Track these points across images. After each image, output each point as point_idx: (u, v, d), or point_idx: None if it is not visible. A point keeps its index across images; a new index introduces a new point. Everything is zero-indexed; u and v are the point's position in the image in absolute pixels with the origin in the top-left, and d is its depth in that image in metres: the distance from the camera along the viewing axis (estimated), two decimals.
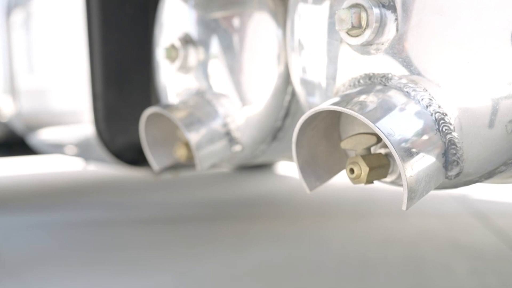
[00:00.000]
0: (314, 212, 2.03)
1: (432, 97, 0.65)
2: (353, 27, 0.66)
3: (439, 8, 0.63)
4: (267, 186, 2.72)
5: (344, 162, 0.77)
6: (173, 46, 1.06)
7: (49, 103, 1.71)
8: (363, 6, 0.66)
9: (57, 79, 1.64)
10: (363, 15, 0.66)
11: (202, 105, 1.05)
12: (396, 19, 0.66)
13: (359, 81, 0.71)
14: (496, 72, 0.61)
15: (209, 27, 1.05)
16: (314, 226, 1.78)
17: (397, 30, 0.66)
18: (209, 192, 2.57)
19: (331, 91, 0.77)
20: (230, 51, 1.02)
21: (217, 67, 1.04)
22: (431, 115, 0.65)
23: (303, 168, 0.73)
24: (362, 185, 0.69)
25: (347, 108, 0.64)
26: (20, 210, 2.16)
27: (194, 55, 1.06)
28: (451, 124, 0.65)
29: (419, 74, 0.66)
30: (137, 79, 1.51)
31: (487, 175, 0.70)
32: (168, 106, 1.04)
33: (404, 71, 0.66)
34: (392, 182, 0.74)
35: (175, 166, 1.43)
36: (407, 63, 0.66)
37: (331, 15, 0.75)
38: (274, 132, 1.05)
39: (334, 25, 0.71)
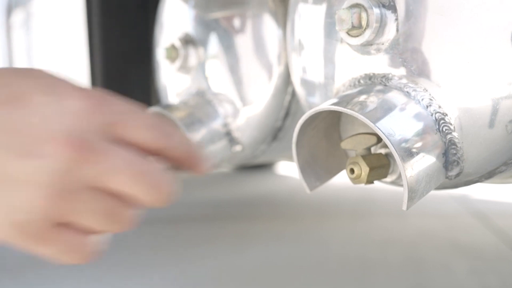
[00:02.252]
0: (314, 212, 2.03)
1: (432, 97, 0.65)
2: (353, 27, 0.66)
3: (439, 8, 0.63)
4: (267, 186, 2.72)
5: (344, 162, 0.76)
6: (173, 46, 1.06)
7: None
8: (363, 6, 0.66)
9: None
10: (363, 15, 0.66)
11: (202, 105, 1.05)
12: (396, 19, 0.66)
13: (359, 81, 0.71)
14: (496, 72, 0.61)
15: (209, 27, 1.05)
16: (314, 226, 1.78)
17: (397, 30, 0.66)
18: (209, 192, 2.57)
19: (331, 91, 0.77)
20: (230, 51, 1.02)
21: (217, 67, 1.04)
22: (432, 115, 0.65)
23: (303, 168, 0.73)
24: (362, 185, 0.69)
25: (347, 108, 0.64)
26: None
27: (194, 55, 1.06)
28: (451, 124, 0.65)
29: (419, 74, 0.66)
30: (137, 79, 1.51)
31: (488, 175, 0.70)
32: (168, 106, 1.04)
33: (404, 71, 0.66)
34: (392, 182, 0.74)
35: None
36: (407, 63, 0.66)
37: (331, 15, 0.75)
38: (274, 132, 1.05)
39: (334, 25, 0.71)
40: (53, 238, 0.45)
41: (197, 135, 1.01)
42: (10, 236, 0.46)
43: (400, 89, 0.67)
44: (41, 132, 0.42)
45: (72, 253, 0.47)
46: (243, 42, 1.01)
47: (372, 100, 0.65)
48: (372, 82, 0.70)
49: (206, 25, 1.06)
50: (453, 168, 0.67)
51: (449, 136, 0.65)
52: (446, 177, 0.68)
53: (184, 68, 1.07)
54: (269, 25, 0.99)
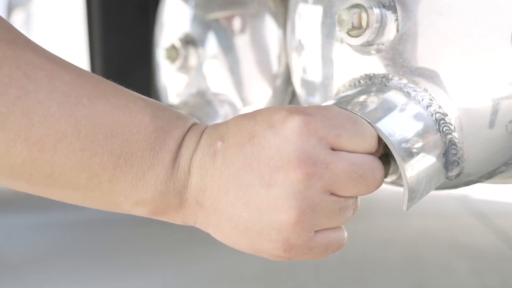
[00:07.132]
0: None
1: (432, 97, 0.65)
2: (353, 27, 0.66)
3: (439, 8, 0.63)
4: None
5: None
6: (173, 47, 1.06)
7: None
8: (363, 7, 0.66)
9: None
10: (364, 15, 0.66)
11: (202, 105, 1.05)
12: (397, 20, 0.66)
13: (359, 82, 0.71)
14: (497, 72, 0.61)
15: (209, 27, 1.05)
16: None
17: (397, 30, 0.66)
18: None
19: (332, 92, 0.77)
20: (231, 52, 1.02)
21: (218, 67, 1.04)
22: (432, 115, 0.65)
23: None
24: None
25: (348, 109, 0.63)
26: (20, 210, 2.16)
27: (194, 56, 1.06)
28: (451, 124, 0.65)
29: (419, 74, 0.66)
30: (137, 79, 1.51)
31: (488, 175, 0.70)
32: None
33: (405, 72, 0.66)
34: (393, 182, 0.74)
35: None
36: (407, 64, 0.66)
37: (332, 16, 0.75)
38: None
39: (334, 26, 0.71)
40: (314, 246, 0.52)
41: None
42: (275, 254, 0.53)
43: (400, 89, 0.67)
44: (271, 162, 0.49)
45: (330, 248, 0.55)
46: (243, 42, 1.01)
47: (372, 100, 0.65)
48: (372, 82, 0.70)
49: (206, 25, 1.06)
50: (453, 168, 0.67)
51: (449, 136, 0.65)
52: (447, 177, 0.68)
53: (184, 68, 1.07)
54: (269, 25, 0.99)
